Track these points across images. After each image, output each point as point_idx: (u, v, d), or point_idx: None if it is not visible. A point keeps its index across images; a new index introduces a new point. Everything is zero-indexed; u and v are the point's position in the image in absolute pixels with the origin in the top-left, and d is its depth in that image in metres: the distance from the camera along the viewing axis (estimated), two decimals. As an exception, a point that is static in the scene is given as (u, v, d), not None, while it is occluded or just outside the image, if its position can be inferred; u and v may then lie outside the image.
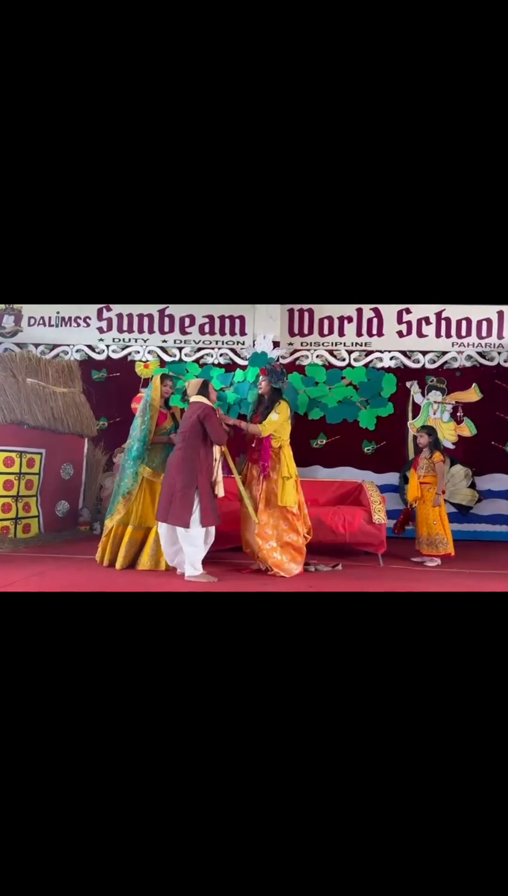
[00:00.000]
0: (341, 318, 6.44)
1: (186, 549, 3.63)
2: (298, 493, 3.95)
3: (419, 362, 6.34)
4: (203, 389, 3.86)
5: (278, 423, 3.88)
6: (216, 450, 3.76)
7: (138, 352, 6.52)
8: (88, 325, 6.56)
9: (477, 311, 6.31)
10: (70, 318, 6.56)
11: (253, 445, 3.99)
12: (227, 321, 6.50)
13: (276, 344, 6.24)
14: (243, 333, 6.47)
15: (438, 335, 6.36)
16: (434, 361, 6.33)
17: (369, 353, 6.39)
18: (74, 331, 6.55)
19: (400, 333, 6.39)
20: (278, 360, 4.20)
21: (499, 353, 6.28)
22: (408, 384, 6.29)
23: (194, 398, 3.83)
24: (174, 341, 6.54)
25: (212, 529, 3.72)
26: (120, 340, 6.55)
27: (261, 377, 4.08)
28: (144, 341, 6.54)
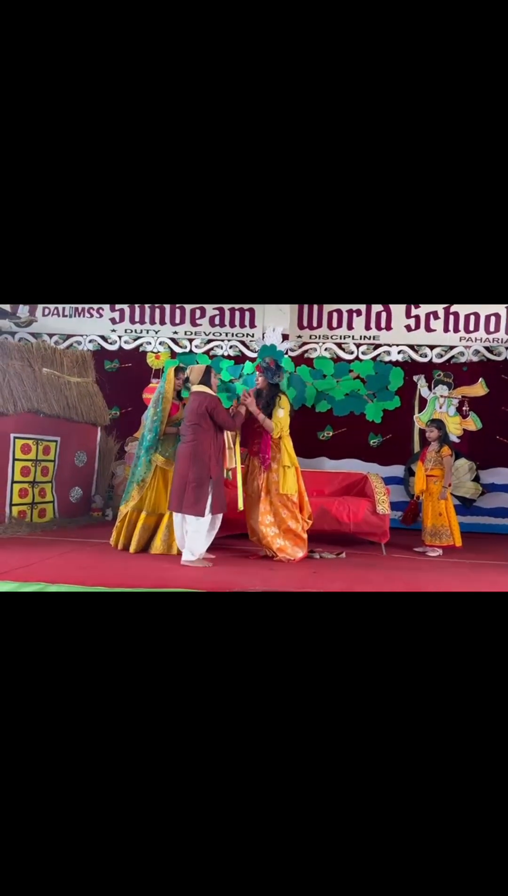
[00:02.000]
0: (349, 312, 6.52)
1: (190, 534, 3.75)
2: (298, 481, 4.11)
3: (426, 356, 6.42)
4: (206, 377, 3.90)
5: (285, 420, 4.04)
6: (228, 436, 3.88)
7: (150, 343, 6.65)
8: (101, 315, 6.68)
9: (485, 307, 6.37)
10: (83, 308, 6.68)
11: (255, 440, 4.15)
12: (237, 314, 6.60)
13: (285, 337, 6.35)
14: (252, 326, 6.58)
15: (446, 330, 6.42)
16: (442, 356, 6.41)
17: (377, 346, 6.47)
18: (87, 321, 6.68)
19: (408, 328, 6.47)
20: (271, 358, 4.32)
21: (507, 349, 6.35)
22: (415, 378, 6.37)
23: (195, 388, 3.89)
24: (185, 333, 6.65)
25: (219, 517, 3.87)
26: (132, 331, 6.68)
27: (257, 374, 4.22)
28: (156, 332, 6.66)
